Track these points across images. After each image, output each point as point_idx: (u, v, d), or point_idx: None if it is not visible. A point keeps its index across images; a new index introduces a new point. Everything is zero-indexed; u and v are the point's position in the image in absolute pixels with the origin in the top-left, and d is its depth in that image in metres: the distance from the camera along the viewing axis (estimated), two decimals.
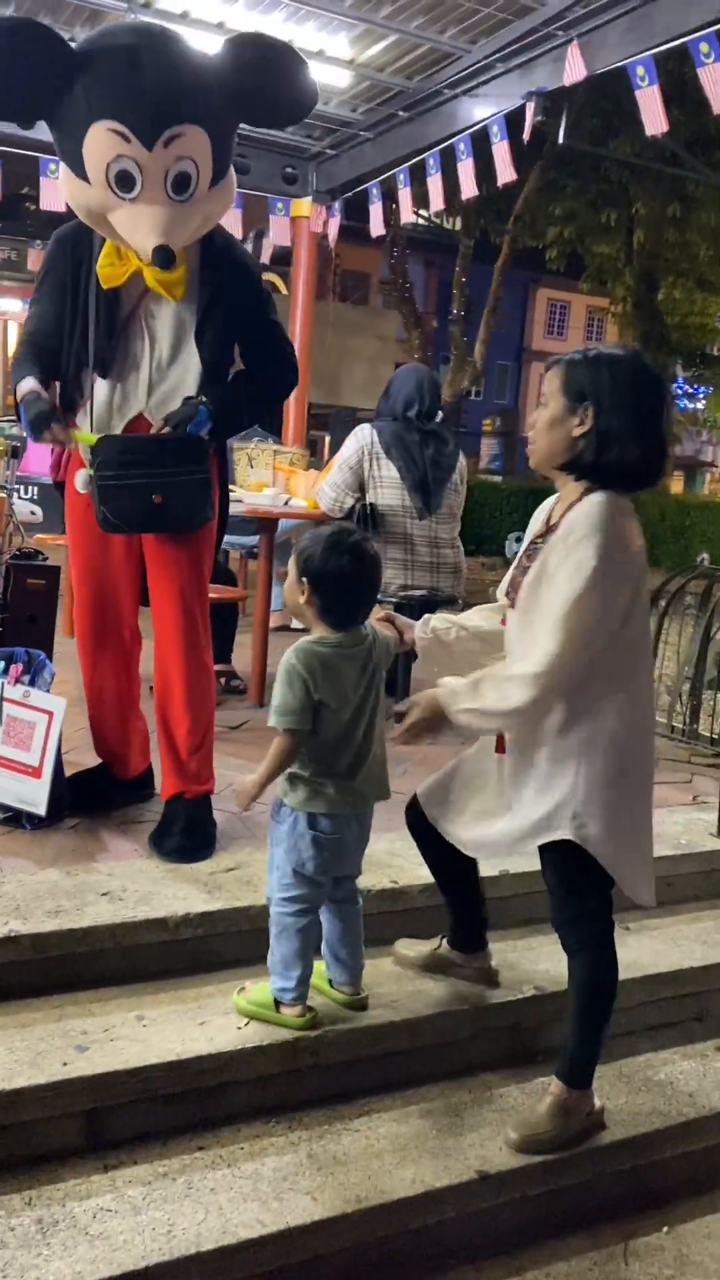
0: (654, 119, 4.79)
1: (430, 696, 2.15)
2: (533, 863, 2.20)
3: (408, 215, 6.83)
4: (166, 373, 2.77)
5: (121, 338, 2.75)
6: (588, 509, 2.00)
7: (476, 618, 2.37)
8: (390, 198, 7.04)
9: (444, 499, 4.10)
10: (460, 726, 2.12)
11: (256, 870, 2.66)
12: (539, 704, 2.03)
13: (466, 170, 6.11)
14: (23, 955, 2.29)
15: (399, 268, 18.34)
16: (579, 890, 2.13)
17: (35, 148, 6.22)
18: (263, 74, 2.57)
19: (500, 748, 2.22)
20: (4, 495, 3.20)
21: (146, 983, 2.39)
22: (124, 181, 2.49)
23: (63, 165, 2.60)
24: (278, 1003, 2.25)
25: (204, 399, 2.73)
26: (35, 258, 10.02)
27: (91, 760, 3.12)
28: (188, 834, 2.81)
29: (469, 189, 6.12)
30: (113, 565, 2.85)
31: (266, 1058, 2.22)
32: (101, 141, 2.46)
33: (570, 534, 2.00)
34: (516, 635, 2.16)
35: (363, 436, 4.10)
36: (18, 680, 2.82)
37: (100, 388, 2.76)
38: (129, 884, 2.58)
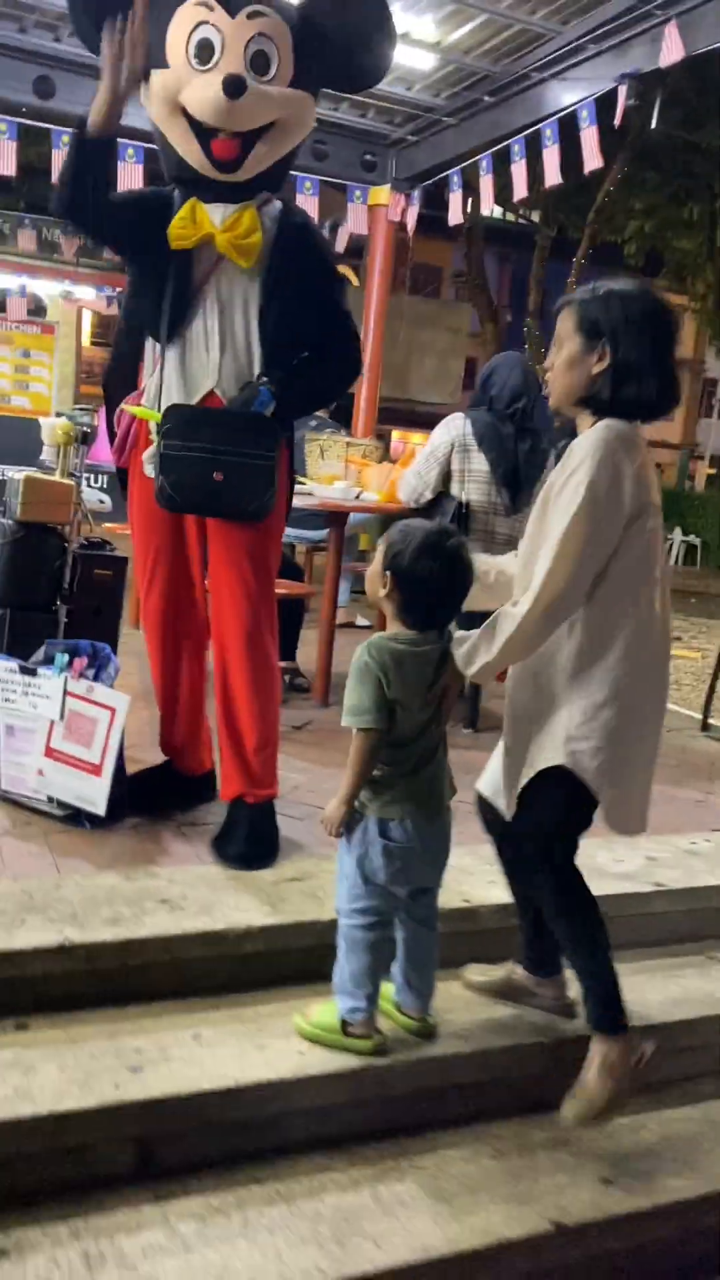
0: None
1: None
2: (615, 885, 2.04)
3: (489, 204, 6.61)
4: (238, 349, 2.65)
5: (193, 308, 2.63)
6: (589, 436, 2.02)
7: (513, 561, 2.32)
8: (470, 187, 6.85)
9: (533, 496, 3.91)
10: (484, 679, 2.14)
11: (322, 882, 2.53)
12: (541, 628, 2.02)
13: (552, 157, 5.90)
14: (77, 966, 2.19)
15: (474, 260, 18.10)
16: (561, 823, 2.10)
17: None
18: (344, 10, 2.61)
19: (500, 675, 2.18)
20: (74, 481, 3.10)
21: (204, 998, 2.27)
22: (203, 51, 2.45)
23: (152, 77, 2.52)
24: (344, 1025, 2.12)
25: (265, 379, 2.60)
26: (68, 244, 10.04)
27: (153, 758, 3.01)
28: (251, 840, 2.69)
29: (554, 177, 5.91)
30: (181, 553, 2.74)
31: (329, 1086, 2.08)
32: (187, 15, 2.46)
33: (569, 460, 2.02)
34: (522, 566, 2.14)
35: (454, 426, 3.93)
36: (81, 674, 2.71)
37: (170, 360, 2.65)
38: (189, 891, 2.46)
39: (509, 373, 3.95)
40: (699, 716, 4.97)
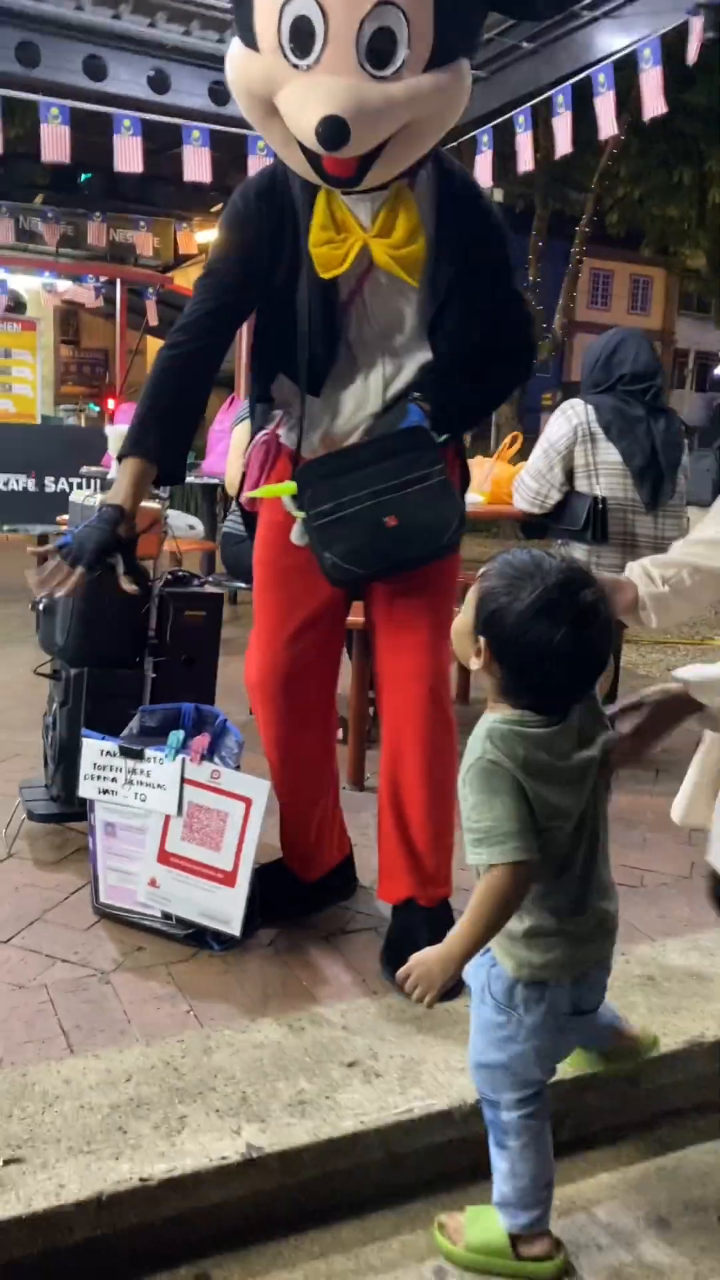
0: None
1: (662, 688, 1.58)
2: None
3: (527, 164, 6.00)
4: (397, 380, 2.05)
5: (340, 341, 2.04)
6: None
7: (707, 551, 1.76)
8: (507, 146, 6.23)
9: (675, 485, 3.33)
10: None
11: None
12: None
13: (606, 106, 5.31)
14: (268, 1182, 1.59)
15: None
16: None
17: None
18: None
19: None
20: (160, 503, 2.48)
21: (439, 1195, 1.68)
22: (300, 37, 1.74)
23: (234, 44, 1.88)
24: (514, 1242, 1.52)
25: (417, 396, 2.01)
26: (96, 231, 9.24)
27: (266, 846, 2.41)
28: None
29: (609, 128, 5.33)
30: (334, 608, 2.15)
31: None
32: None
33: None
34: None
35: (576, 413, 3.33)
36: (204, 756, 2.10)
37: (315, 409, 2.07)
38: (376, 1044, 1.87)
39: (636, 347, 3.34)
40: None
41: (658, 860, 2.77)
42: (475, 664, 1.42)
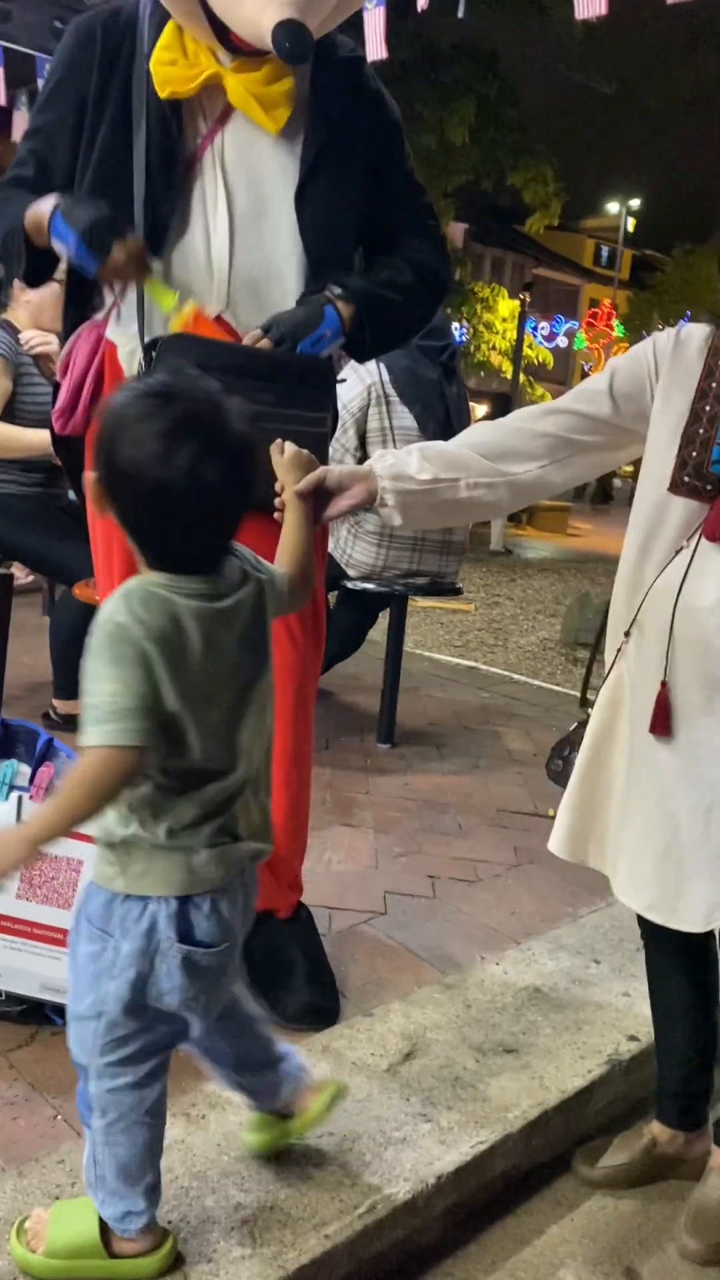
0: None
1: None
2: None
3: None
4: (255, 251, 1.72)
5: (182, 191, 1.68)
6: None
7: (496, 446, 1.53)
8: None
9: None
10: None
11: (436, 1016, 1.74)
12: None
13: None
14: None
15: None
16: None
17: None
18: None
19: (662, 726, 1.46)
20: None
21: None
22: None
23: None
24: (107, 1238, 1.26)
25: (334, 292, 1.70)
26: None
27: None
28: (313, 979, 1.85)
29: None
30: None
31: None
32: None
33: None
34: None
35: (369, 372, 3.08)
36: (47, 792, 1.67)
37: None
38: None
39: None
40: (567, 691, 4.57)
41: (483, 849, 2.66)
42: (106, 512, 1.14)
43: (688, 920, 1.49)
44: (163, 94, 1.61)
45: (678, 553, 1.44)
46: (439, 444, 1.56)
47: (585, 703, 4.26)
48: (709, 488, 1.41)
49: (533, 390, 21.33)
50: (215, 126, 1.67)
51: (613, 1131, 1.77)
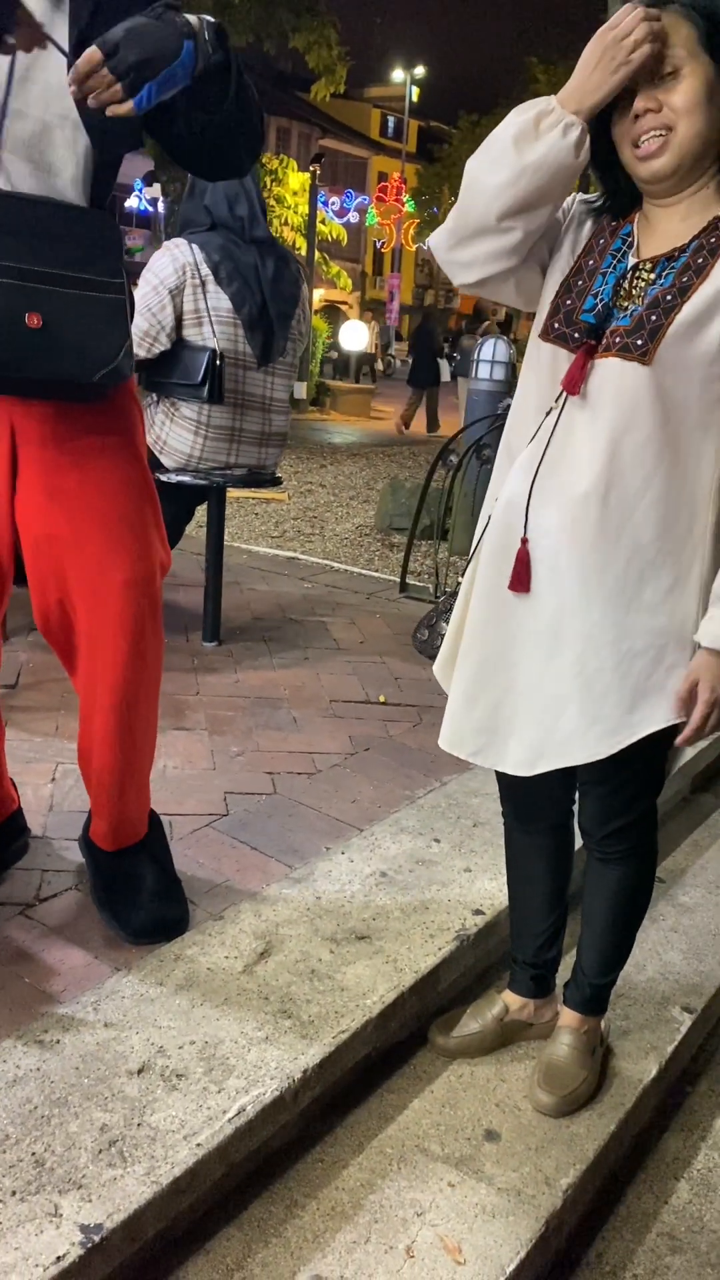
0: None
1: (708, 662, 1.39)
2: None
3: None
4: (32, 90, 1.49)
5: None
6: None
7: None
8: None
9: (287, 341, 3.04)
10: None
11: (303, 927, 1.76)
12: None
13: None
14: (110, 1267, 1.25)
15: None
16: (651, 784, 1.57)
17: None
18: None
19: (522, 583, 1.46)
20: None
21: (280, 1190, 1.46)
22: None
23: None
24: None
25: (190, 23, 1.39)
26: None
27: None
28: (159, 893, 1.82)
29: None
30: None
31: None
32: None
33: None
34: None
35: (183, 254, 2.87)
36: None
37: None
38: (156, 1036, 1.56)
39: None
40: (386, 577, 4.58)
41: (319, 740, 2.66)
42: None
43: (513, 764, 1.52)
44: None
45: (547, 414, 1.43)
46: None
47: (405, 588, 4.34)
48: (576, 335, 1.40)
49: (329, 268, 20.89)
50: None
51: (464, 1002, 1.84)
